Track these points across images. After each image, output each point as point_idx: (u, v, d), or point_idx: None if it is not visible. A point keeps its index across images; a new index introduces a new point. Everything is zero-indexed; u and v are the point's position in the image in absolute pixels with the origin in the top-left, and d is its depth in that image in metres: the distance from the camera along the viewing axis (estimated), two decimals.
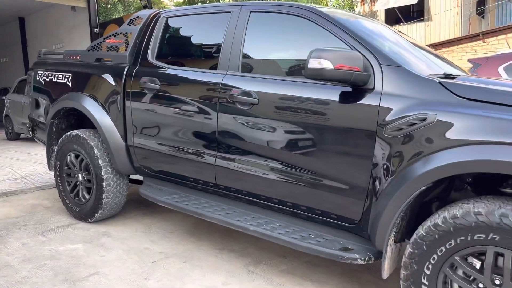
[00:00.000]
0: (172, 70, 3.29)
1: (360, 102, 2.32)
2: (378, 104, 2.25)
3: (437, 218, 2.01)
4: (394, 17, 16.79)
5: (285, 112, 2.59)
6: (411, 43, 2.97)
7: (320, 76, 2.27)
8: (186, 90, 3.10)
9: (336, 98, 2.41)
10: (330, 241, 2.52)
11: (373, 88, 2.31)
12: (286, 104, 2.59)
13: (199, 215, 2.98)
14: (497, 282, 1.88)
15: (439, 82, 2.16)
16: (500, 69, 4.97)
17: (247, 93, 2.75)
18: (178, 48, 3.61)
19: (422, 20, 16.56)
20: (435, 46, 12.35)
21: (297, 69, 2.76)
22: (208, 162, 3.00)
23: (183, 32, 3.52)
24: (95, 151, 3.62)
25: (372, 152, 2.27)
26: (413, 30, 16.45)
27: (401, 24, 16.41)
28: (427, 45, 13.09)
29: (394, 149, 2.19)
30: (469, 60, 5.62)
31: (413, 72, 2.25)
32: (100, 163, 3.60)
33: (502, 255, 1.87)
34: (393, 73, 2.28)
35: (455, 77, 2.32)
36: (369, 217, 2.33)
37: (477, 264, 1.95)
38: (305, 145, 2.53)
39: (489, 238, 1.87)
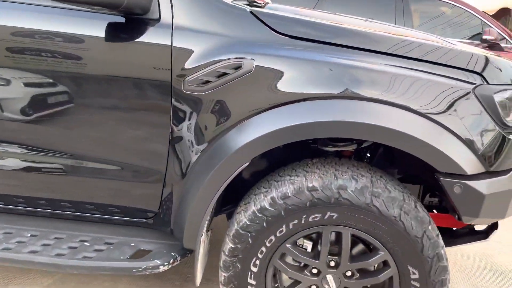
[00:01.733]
0: None
1: (141, 40, 1.51)
2: (170, 44, 1.50)
3: (263, 200, 1.51)
4: None
5: (21, 58, 1.54)
6: None
7: None
8: None
9: (103, 34, 1.52)
10: (116, 245, 1.74)
11: (159, 19, 1.52)
12: (22, 44, 1.53)
13: None
14: (332, 264, 1.57)
15: (251, 12, 1.55)
16: None
17: None
18: None
19: None
20: None
21: None
22: None
23: None
24: None
25: (169, 117, 1.54)
26: None
27: None
28: None
29: (201, 111, 1.52)
30: None
31: None
32: None
33: (338, 233, 1.54)
34: None
35: (264, 5, 1.76)
36: (171, 207, 1.66)
37: (309, 246, 1.59)
38: (58, 110, 1.58)
39: (326, 217, 1.49)
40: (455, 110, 1.46)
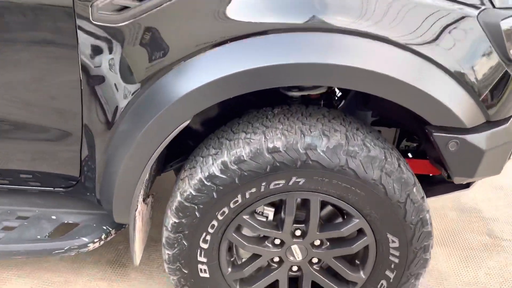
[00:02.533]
0: None
1: None
2: None
3: (212, 166, 1.19)
4: None
5: None
6: None
7: None
8: None
9: None
10: (32, 220, 1.40)
11: None
12: None
13: None
14: (298, 233, 1.31)
15: None
16: None
17: None
18: None
19: None
20: None
21: None
22: None
23: None
24: None
25: (76, 56, 1.13)
26: None
27: None
28: None
29: (122, 49, 1.11)
30: None
31: None
32: None
33: (304, 200, 1.26)
34: None
35: None
36: (94, 173, 1.31)
37: (270, 214, 1.31)
38: None
39: (290, 183, 1.19)
40: (453, 43, 1.14)
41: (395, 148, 1.32)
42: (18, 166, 1.36)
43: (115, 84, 1.17)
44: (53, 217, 1.41)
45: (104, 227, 1.38)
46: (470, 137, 1.16)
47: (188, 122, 1.14)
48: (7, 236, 1.33)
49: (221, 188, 1.18)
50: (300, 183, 1.19)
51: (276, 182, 1.18)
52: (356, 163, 1.16)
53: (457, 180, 1.25)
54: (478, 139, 1.16)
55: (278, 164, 1.15)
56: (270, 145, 1.15)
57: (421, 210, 1.23)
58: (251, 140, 1.18)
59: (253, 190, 1.19)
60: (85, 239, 1.34)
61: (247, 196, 1.20)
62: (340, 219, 1.34)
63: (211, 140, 1.29)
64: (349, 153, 1.15)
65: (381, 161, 1.17)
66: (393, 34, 1.11)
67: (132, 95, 1.17)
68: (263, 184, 1.18)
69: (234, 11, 1.09)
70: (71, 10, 1.07)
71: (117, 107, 1.19)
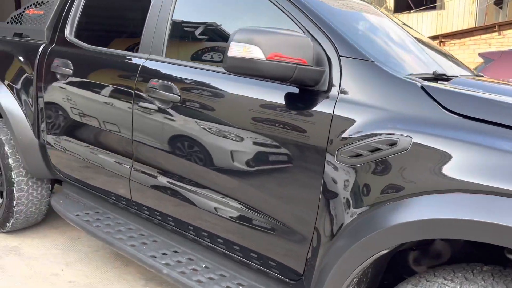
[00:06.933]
0: (86, 50, 2.55)
1: (307, 109, 1.60)
2: (331, 114, 1.53)
3: None
4: (405, 3, 15.78)
5: (215, 116, 1.87)
6: (409, 34, 2.19)
7: (246, 70, 1.54)
8: (100, 78, 2.39)
9: (277, 100, 1.69)
10: None
11: (328, 91, 1.58)
12: (216, 105, 1.88)
13: (108, 243, 2.29)
14: None
15: (422, 87, 1.43)
16: None
17: (168, 87, 2.02)
18: (101, 22, 2.88)
19: (434, 8, 15.55)
20: (445, 37, 11.45)
21: None
22: (123, 173, 2.30)
23: (109, 2, 2.78)
24: (6, 147, 2.93)
25: (320, 183, 1.55)
26: (423, 18, 15.47)
27: (410, 11, 15.43)
28: (436, 36, 12.34)
29: (350, 183, 1.47)
30: (480, 55, 4.82)
31: (384, 70, 1.52)
32: (10, 162, 2.91)
33: None
34: (355, 69, 1.55)
35: (450, 79, 1.58)
36: (313, 272, 1.63)
37: None
38: (233, 163, 1.82)
39: None
40: None
41: None
42: (267, 253, 1.82)
43: (335, 215, 1.51)
44: None
45: None
46: None
47: (386, 251, 1.33)
48: None
49: None
50: None
51: None
52: None
53: None
54: None
55: None
56: None
57: None
58: (447, 286, 1.25)
59: None
60: None
61: None
62: None
63: (415, 277, 1.41)
64: None
65: None
66: None
67: (341, 230, 1.48)
68: None
69: (448, 170, 1.26)
70: (324, 151, 1.52)
71: (342, 223, 1.51)
